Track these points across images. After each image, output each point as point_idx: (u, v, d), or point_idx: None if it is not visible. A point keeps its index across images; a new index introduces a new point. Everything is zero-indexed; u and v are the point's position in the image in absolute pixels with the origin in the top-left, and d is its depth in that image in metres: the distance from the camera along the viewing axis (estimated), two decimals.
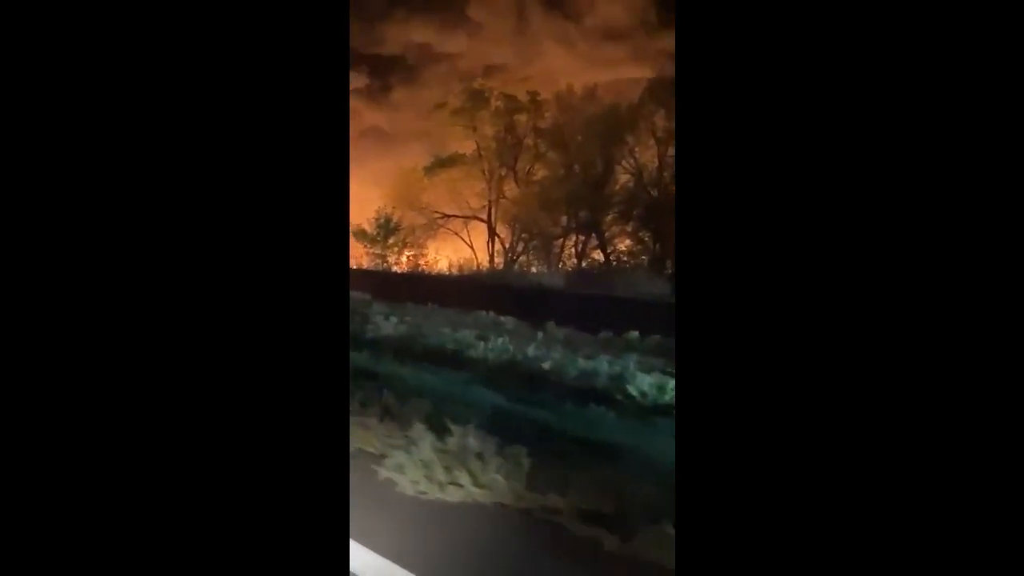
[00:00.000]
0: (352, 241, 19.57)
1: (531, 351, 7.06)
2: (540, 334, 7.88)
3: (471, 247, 20.63)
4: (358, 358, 6.28)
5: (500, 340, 7.45)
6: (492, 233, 20.62)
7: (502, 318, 8.70)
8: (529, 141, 20.20)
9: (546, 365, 6.44)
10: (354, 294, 10.62)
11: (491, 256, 20.47)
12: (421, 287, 12.42)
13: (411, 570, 2.57)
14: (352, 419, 3.68)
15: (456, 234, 20.79)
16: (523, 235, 20.21)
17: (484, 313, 9.10)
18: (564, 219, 19.24)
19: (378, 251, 19.64)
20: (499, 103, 20.40)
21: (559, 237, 19.42)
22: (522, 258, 20.29)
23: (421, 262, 19.97)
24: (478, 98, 20.46)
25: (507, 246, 20.52)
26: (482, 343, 7.31)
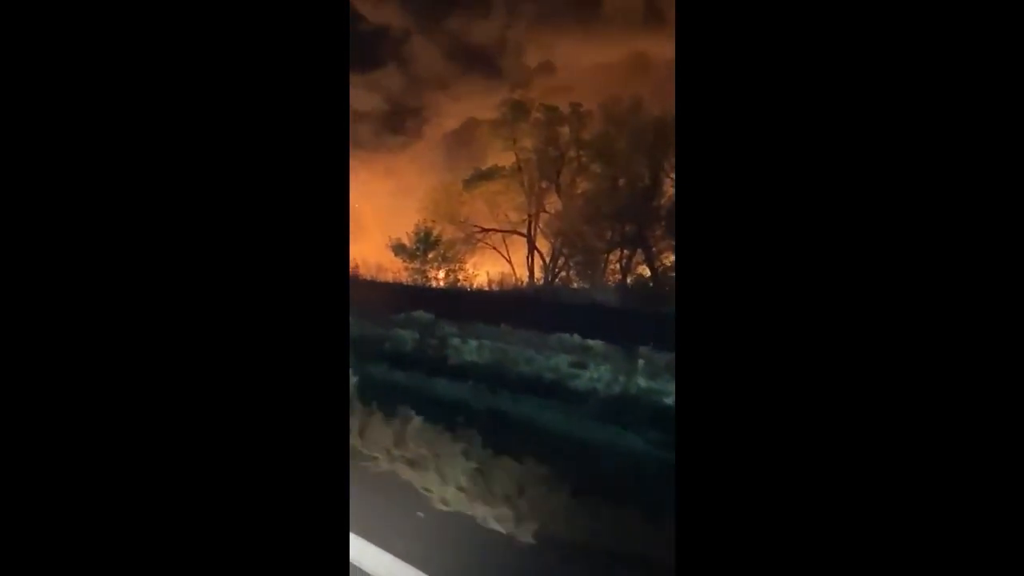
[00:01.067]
0: (391, 256, 18.87)
1: (642, 382, 6.16)
2: (641, 362, 6.98)
3: (510, 262, 19.86)
4: (461, 390, 5.41)
5: (602, 368, 6.58)
6: (532, 247, 19.83)
7: (589, 341, 7.83)
8: (571, 153, 19.46)
9: (669, 400, 5.54)
10: (415, 313, 9.79)
11: (531, 271, 19.69)
12: (487, 305, 11.53)
13: None
14: (561, 497, 2.71)
15: (494, 248, 19.99)
16: (564, 250, 19.41)
17: (567, 335, 8.22)
18: (608, 233, 18.42)
19: (417, 266, 18.85)
20: (539, 114, 19.64)
21: (604, 252, 18.59)
22: (563, 273, 19.48)
23: (460, 277, 19.17)
24: (518, 110, 19.72)
25: (548, 261, 19.71)
26: (584, 372, 6.45)
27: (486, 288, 18.32)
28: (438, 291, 16.85)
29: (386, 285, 16.84)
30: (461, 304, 11.78)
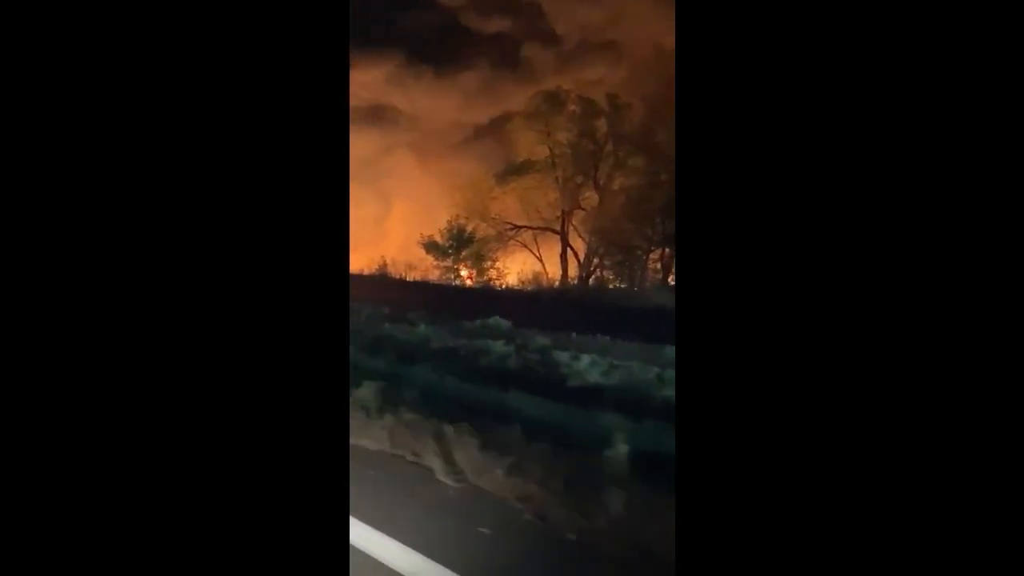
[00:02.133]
0: (422, 254, 17.62)
1: None
2: None
3: (541, 260, 18.66)
4: (653, 434, 4.10)
5: None
6: (565, 245, 18.61)
7: None
8: (609, 147, 18.23)
9: None
10: (491, 320, 8.50)
11: (565, 270, 18.47)
12: (554, 308, 10.22)
13: None
14: None
15: (525, 246, 18.78)
16: (600, 248, 18.20)
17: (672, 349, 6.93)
18: (649, 231, 17.22)
19: (449, 264, 17.59)
20: (575, 107, 18.39)
21: (645, 251, 17.38)
22: (598, 272, 18.27)
23: (492, 275, 17.95)
24: (553, 101, 18.45)
25: (582, 259, 18.49)
26: None
27: (518, 287, 17.17)
28: (496, 292, 15.52)
29: (436, 287, 15.55)
30: (525, 308, 10.47)
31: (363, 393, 3.68)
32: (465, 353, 6.57)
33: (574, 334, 7.50)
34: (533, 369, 6.10)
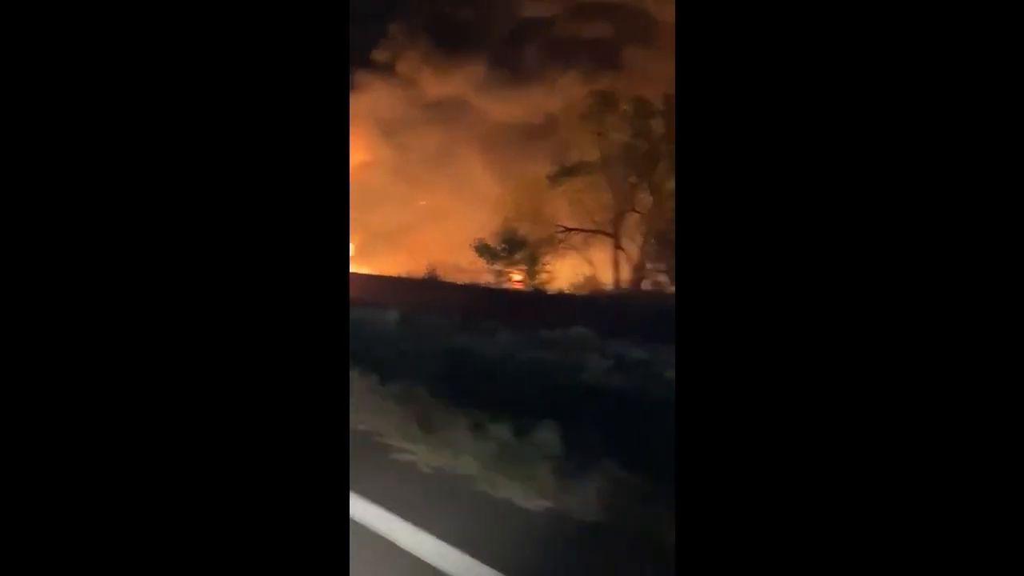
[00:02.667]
0: (472, 256, 17.04)
1: None
2: None
3: (591, 264, 17.99)
4: None
5: None
6: (618, 248, 17.92)
7: None
8: (664, 147, 17.50)
9: None
10: (573, 330, 7.87)
11: (617, 274, 17.77)
12: (639, 317, 9.55)
13: None
14: None
15: (575, 249, 18.14)
16: (653, 252, 17.48)
17: None
18: None
19: (500, 267, 16.97)
20: (628, 107, 17.70)
21: None
22: (652, 277, 17.55)
23: (544, 279, 17.31)
24: (606, 101, 17.79)
25: (635, 263, 17.78)
26: None
27: (569, 291, 16.53)
28: (556, 297, 14.88)
29: (492, 291, 14.98)
30: (593, 314, 9.82)
31: (544, 436, 3.03)
32: (562, 370, 5.95)
33: (658, 344, 6.80)
34: (644, 390, 5.45)
